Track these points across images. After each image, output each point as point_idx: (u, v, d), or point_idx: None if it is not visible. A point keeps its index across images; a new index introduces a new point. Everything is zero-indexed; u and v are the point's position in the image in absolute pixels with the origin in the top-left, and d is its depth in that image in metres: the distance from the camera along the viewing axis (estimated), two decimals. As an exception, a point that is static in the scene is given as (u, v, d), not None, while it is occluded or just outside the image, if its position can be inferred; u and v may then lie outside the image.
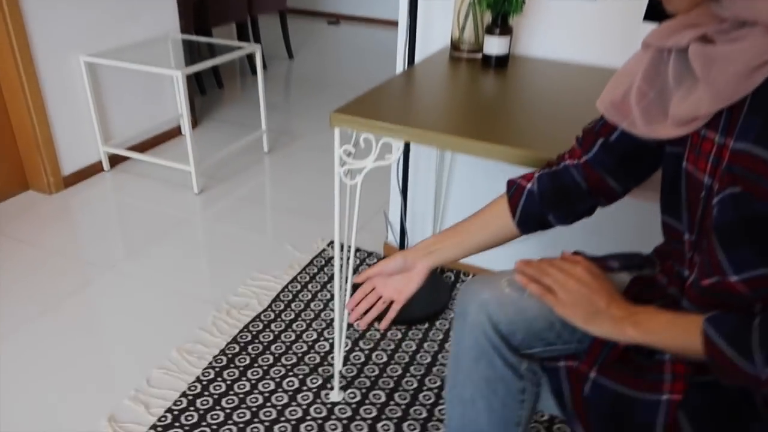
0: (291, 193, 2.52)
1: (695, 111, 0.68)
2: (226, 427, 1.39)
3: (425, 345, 1.67)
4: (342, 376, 1.53)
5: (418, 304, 1.79)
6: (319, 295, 1.86)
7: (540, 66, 1.50)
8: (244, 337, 1.67)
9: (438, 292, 1.86)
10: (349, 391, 1.50)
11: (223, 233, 2.20)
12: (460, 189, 1.87)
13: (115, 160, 2.68)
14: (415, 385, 1.53)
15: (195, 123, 3.18)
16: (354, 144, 1.16)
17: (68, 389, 1.49)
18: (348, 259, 1.38)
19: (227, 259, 2.04)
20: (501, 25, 1.42)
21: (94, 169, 2.60)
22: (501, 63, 1.46)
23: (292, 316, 1.76)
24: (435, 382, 1.54)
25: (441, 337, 1.70)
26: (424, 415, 1.44)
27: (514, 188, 0.95)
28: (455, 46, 1.53)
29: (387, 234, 2.06)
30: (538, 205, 0.91)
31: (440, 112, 1.14)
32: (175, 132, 3.01)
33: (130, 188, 2.52)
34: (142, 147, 2.80)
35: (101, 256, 2.03)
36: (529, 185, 0.93)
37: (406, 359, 1.61)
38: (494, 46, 1.44)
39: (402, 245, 1.81)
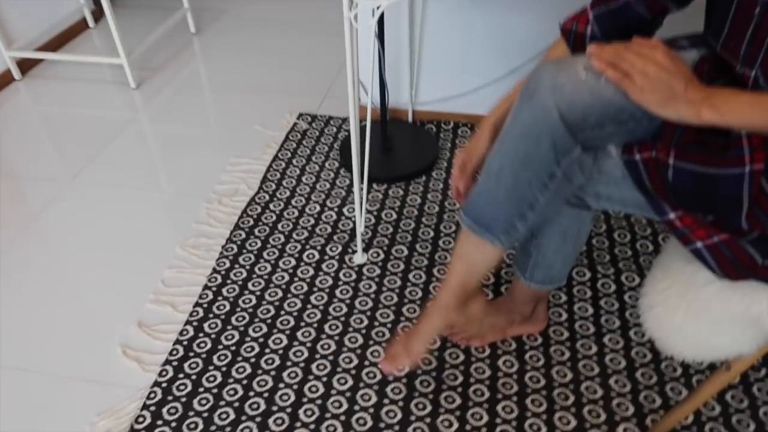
0: (235, 72, 2.33)
1: None
2: (263, 307, 1.37)
3: (429, 196, 1.68)
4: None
5: (410, 160, 1.78)
6: (307, 168, 1.79)
7: None
8: (245, 222, 1.61)
9: (424, 144, 1.84)
10: (371, 251, 1.51)
11: (180, 125, 2.03)
12: (435, 34, 1.79)
13: (25, 66, 2.35)
14: (432, 234, 1.55)
15: (101, 12, 2.81)
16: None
17: (83, 306, 1.40)
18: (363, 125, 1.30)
19: (195, 150, 1.90)
20: None
21: (4, 80, 2.27)
22: None
23: (288, 193, 1.70)
24: (450, 228, 1.57)
25: (441, 186, 1.71)
26: (449, 258, 1.48)
27: (573, 36, 0.93)
28: None
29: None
30: (605, 34, 0.90)
31: None
32: (81, 26, 2.65)
33: (54, 94, 2.24)
34: (50, 47, 2.46)
35: (55, 170, 1.84)
36: (589, 30, 0.91)
37: (415, 212, 1.62)
38: None
39: (383, 102, 1.74)
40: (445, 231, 1.56)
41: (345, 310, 1.36)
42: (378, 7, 1.05)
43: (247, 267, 1.48)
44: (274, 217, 1.62)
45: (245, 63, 2.38)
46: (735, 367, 0.90)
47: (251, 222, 1.61)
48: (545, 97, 0.82)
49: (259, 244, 1.54)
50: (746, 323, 0.82)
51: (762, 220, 0.77)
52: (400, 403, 1.17)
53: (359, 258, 1.48)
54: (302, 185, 1.73)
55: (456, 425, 1.14)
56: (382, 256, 1.49)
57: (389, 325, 1.32)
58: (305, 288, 1.42)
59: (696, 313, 0.86)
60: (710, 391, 0.98)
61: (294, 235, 1.56)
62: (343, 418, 1.15)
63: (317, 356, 1.27)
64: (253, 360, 1.26)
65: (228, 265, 1.48)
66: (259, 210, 1.64)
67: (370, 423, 1.14)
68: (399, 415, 1.15)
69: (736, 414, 1.13)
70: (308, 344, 1.29)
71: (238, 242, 1.54)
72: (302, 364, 1.25)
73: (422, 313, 1.15)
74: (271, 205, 1.66)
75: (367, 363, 1.25)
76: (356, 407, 1.17)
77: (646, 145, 0.85)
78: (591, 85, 0.80)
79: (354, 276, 1.44)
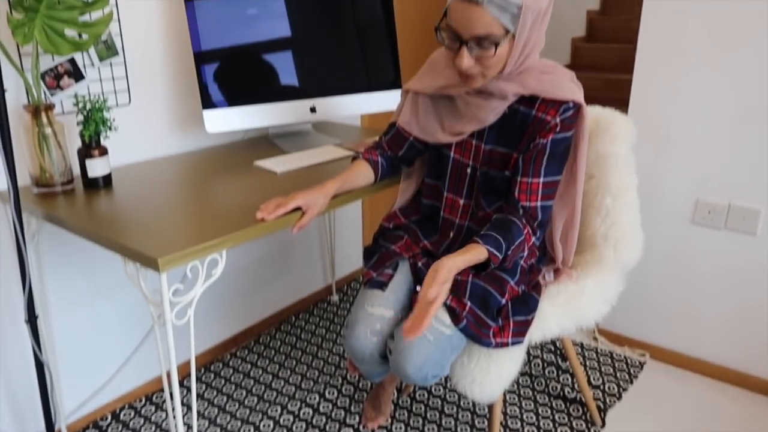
0: None
1: (462, 128, 1.28)
2: None
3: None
4: None
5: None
6: None
7: (134, 172, 1.59)
8: None
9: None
10: None
11: None
12: (63, 334, 1.63)
13: None
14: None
15: None
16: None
17: None
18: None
19: None
20: (98, 146, 1.42)
21: None
22: (108, 181, 1.46)
23: None
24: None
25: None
26: None
27: (371, 161, 1.44)
28: (44, 182, 1.38)
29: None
30: (386, 170, 1.47)
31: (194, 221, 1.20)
32: None
33: None
34: None
35: None
36: (380, 160, 1.45)
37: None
38: (98, 167, 1.43)
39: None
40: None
41: None
42: (193, 299, 1.08)
43: None
44: None
45: None
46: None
47: None
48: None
49: None
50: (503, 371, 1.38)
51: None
52: None
53: None
54: None
55: None
56: None
57: None
58: None
59: (490, 372, 1.37)
60: (497, 411, 1.50)
61: None
62: None
63: None
64: None
65: None
66: None
67: None
68: None
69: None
70: None
71: None
72: None
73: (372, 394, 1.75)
74: None
75: None
76: None
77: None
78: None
79: None
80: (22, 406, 1.58)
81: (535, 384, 1.90)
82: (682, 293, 1.96)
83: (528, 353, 2.06)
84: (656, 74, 1.84)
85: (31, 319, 1.35)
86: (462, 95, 1.29)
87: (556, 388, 1.89)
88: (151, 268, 1.04)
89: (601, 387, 1.89)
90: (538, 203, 1.28)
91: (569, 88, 1.25)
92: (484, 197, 1.34)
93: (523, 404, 1.80)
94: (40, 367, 1.42)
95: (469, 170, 1.35)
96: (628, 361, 2.03)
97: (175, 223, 1.20)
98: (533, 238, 1.30)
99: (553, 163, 1.27)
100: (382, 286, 1.39)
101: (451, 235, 1.41)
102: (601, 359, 2.04)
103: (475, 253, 1.21)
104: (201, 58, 1.62)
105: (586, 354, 2.07)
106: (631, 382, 1.92)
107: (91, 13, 1.44)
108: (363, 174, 1.44)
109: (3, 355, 1.50)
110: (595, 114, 1.55)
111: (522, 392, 1.86)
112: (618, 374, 1.95)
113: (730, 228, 1.82)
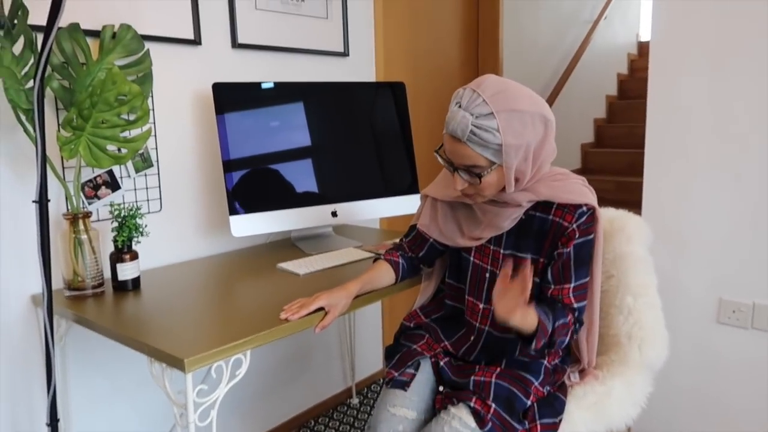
0: None
1: (481, 234, 1.32)
2: None
3: None
4: None
5: None
6: None
7: (162, 274, 1.64)
8: None
9: None
10: None
11: None
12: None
13: None
14: None
15: None
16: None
17: None
18: None
19: None
20: (130, 251, 1.48)
21: None
22: (137, 284, 1.51)
23: None
24: None
25: None
26: None
27: (392, 261, 1.49)
28: (76, 286, 1.43)
29: None
30: (407, 270, 1.51)
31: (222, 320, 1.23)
32: None
33: None
34: None
35: None
36: (401, 260, 1.50)
37: None
38: (128, 271, 1.48)
39: None
40: None
41: None
42: (217, 399, 1.08)
43: None
44: None
45: None
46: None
47: None
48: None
49: None
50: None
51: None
52: None
53: None
54: None
55: None
56: None
57: None
58: None
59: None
60: None
61: None
62: None
63: None
64: None
65: None
66: None
67: None
68: None
69: None
70: None
71: None
72: None
73: None
74: None
75: None
76: None
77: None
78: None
79: None
80: None
81: (567, 497, 1.79)
82: (714, 395, 1.90)
83: (557, 463, 1.96)
84: (666, 177, 1.90)
85: (53, 422, 1.35)
86: (478, 203, 1.35)
87: (590, 501, 1.78)
88: (177, 368, 1.05)
89: (638, 500, 1.78)
90: (574, 304, 1.31)
91: (582, 191, 1.30)
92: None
93: None
94: (56, 475, 1.39)
95: (487, 275, 1.37)
96: (664, 471, 1.92)
97: (200, 324, 1.22)
98: (574, 327, 1.31)
99: (581, 268, 1.31)
100: (404, 385, 1.37)
101: (472, 338, 1.41)
102: (635, 469, 1.93)
103: (529, 317, 1.19)
104: (229, 166, 1.72)
105: (619, 463, 1.96)
106: (670, 495, 1.80)
107: (131, 130, 1.55)
108: (384, 274, 1.47)
109: (19, 463, 1.48)
110: (608, 215, 1.59)
111: (553, 506, 1.75)
112: (654, 486, 1.85)
113: (757, 327, 1.79)
